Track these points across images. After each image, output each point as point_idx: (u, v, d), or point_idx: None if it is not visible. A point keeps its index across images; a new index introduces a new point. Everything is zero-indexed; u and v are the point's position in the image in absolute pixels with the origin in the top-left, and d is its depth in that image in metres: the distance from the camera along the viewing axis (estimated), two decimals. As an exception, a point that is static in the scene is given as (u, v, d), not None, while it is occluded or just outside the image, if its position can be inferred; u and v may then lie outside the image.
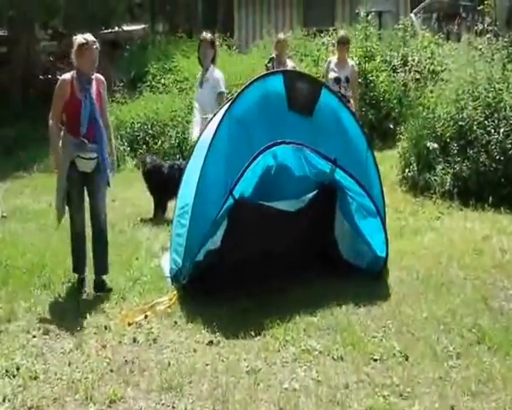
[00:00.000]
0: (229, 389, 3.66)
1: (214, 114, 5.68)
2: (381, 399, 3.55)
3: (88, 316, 4.65)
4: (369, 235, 5.13)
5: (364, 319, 4.56)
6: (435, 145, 8.12)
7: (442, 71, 10.98)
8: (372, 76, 11.11)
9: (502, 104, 7.91)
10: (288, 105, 5.02)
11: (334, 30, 12.63)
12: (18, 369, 3.87)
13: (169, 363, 3.96)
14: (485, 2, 12.03)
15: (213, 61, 6.71)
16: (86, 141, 4.87)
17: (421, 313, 4.64)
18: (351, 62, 8.11)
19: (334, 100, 5.34)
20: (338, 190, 5.10)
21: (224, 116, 4.93)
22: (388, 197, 5.66)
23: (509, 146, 7.60)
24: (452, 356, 4.01)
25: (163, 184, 7.23)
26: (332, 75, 7.80)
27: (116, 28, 18.34)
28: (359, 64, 10.42)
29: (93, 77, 4.95)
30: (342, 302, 4.76)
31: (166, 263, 5.45)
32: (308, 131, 4.99)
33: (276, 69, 7.50)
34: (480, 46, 9.11)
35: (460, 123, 8.05)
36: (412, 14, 15.29)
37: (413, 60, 11.40)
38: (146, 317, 4.59)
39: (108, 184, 5.11)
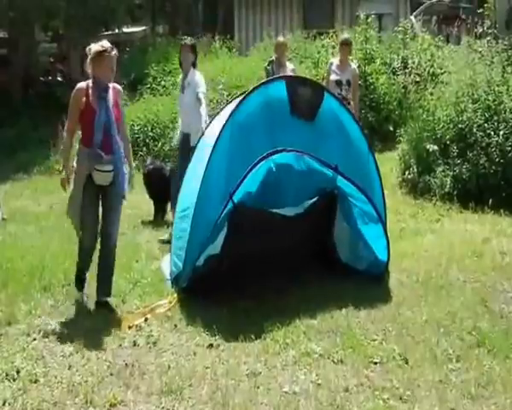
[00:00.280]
0: (229, 392, 3.66)
1: (213, 117, 5.70)
2: (380, 402, 3.56)
3: (88, 319, 4.65)
4: (370, 239, 5.14)
5: (364, 322, 4.56)
6: (435, 147, 8.14)
7: (442, 73, 11.01)
8: (372, 78, 11.12)
9: (501, 107, 7.93)
10: (290, 110, 5.06)
11: (334, 32, 12.65)
12: (18, 372, 3.87)
13: (169, 366, 3.96)
14: (485, 5, 12.05)
15: (194, 65, 6.75)
16: (103, 153, 4.61)
17: (420, 315, 4.64)
18: (352, 65, 8.15)
19: (335, 103, 5.37)
20: (339, 195, 5.10)
21: (226, 122, 4.95)
22: (388, 199, 5.66)
23: (509, 149, 7.61)
24: (452, 359, 4.01)
25: (163, 187, 7.23)
26: (334, 78, 7.83)
27: (116, 30, 18.39)
28: (359, 66, 10.42)
29: (110, 85, 4.71)
30: (342, 305, 4.76)
31: (167, 265, 5.46)
32: (310, 136, 5.04)
33: (275, 72, 7.55)
34: (479, 49, 9.11)
35: (460, 125, 8.07)
36: (412, 17, 15.29)
37: (413, 62, 11.41)
38: (146, 320, 4.59)
39: (124, 198, 4.85)
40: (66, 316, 4.72)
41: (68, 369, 3.94)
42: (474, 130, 7.88)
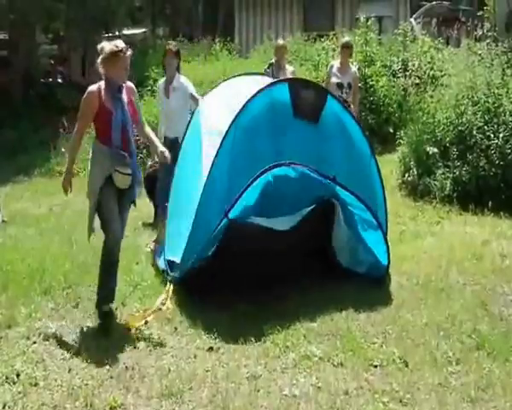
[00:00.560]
0: (230, 395, 3.67)
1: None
2: (380, 405, 3.56)
3: (88, 322, 4.65)
4: (370, 243, 5.14)
5: (364, 325, 4.57)
6: (435, 150, 8.14)
7: (442, 76, 11.00)
8: (372, 81, 11.13)
9: (501, 109, 7.94)
10: (293, 112, 5.08)
11: (334, 35, 12.67)
12: (18, 375, 3.86)
13: (169, 369, 3.96)
14: (485, 8, 12.07)
15: (178, 69, 6.76)
16: (126, 154, 4.47)
17: (420, 318, 4.64)
18: (353, 68, 8.18)
19: (337, 106, 5.41)
20: (338, 201, 5.10)
21: (230, 125, 4.95)
22: (388, 202, 5.67)
23: (509, 151, 7.62)
24: (452, 362, 4.02)
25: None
26: (334, 80, 7.87)
27: (117, 32, 18.40)
28: (359, 69, 10.43)
29: (123, 85, 4.58)
30: (342, 308, 4.77)
31: (160, 257, 5.56)
32: (313, 138, 5.08)
33: (275, 74, 7.55)
34: (479, 51, 9.13)
35: (460, 128, 8.07)
36: (412, 19, 15.29)
37: (413, 65, 11.41)
38: (146, 323, 4.59)
39: (134, 204, 4.75)
40: (66, 319, 4.72)
41: (68, 372, 3.94)
42: (474, 132, 7.89)
